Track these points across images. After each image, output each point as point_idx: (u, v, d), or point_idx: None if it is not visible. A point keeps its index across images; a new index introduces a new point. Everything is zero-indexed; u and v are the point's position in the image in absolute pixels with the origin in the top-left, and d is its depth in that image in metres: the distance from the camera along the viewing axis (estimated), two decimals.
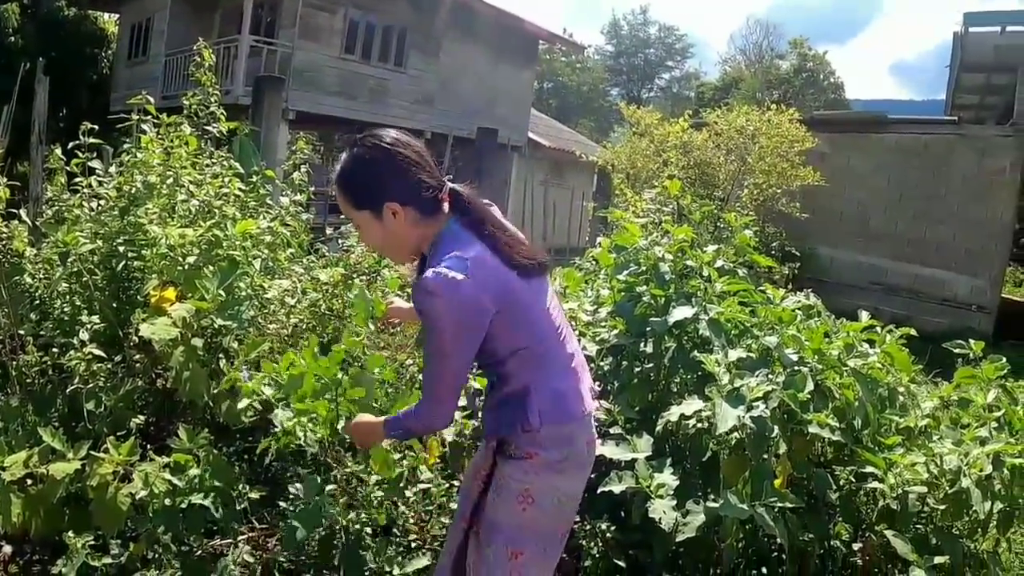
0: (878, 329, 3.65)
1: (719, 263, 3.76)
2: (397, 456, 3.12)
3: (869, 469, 3.17)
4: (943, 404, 3.79)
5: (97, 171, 4.44)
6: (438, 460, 3.31)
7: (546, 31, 23.21)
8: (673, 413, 2.91)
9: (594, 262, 4.47)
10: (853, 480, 3.36)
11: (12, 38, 18.74)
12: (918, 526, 3.20)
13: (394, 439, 2.64)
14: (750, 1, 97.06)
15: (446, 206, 2.20)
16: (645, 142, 13.98)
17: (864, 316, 3.69)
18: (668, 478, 2.79)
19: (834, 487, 3.28)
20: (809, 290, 4.00)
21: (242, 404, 3.11)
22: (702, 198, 13.07)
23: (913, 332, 3.80)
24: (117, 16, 23.53)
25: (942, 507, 3.10)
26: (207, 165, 4.59)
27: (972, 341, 3.60)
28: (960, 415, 3.58)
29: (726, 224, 10.96)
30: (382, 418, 2.43)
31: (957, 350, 3.73)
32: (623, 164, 14.05)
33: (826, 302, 4.04)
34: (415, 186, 2.13)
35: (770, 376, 3.04)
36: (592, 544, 3.18)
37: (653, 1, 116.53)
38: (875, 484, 3.15)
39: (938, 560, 2.86)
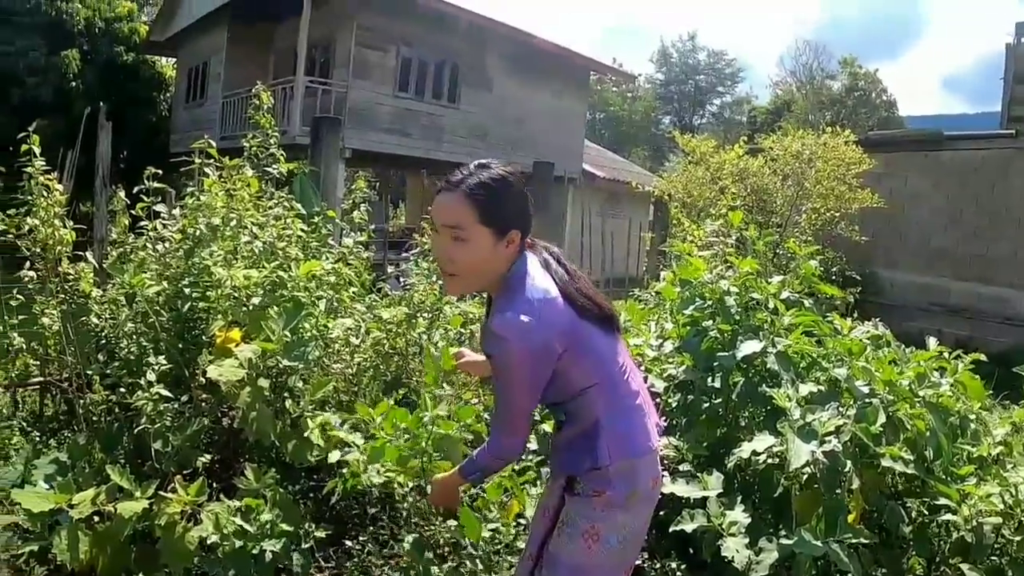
0: (946, 354, 3.57)
1: (784, 294, 3.70)
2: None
3: (942, 501, 3.09)
4: (1015, 430, 3.68)
5: (161, 214, 4.53)
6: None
7: (596, 62, 23.25)
8: (744, 450, 2.85)
9: (657, 295, 4.43)
10: (926, 512, 3.28)
11: (73, 83, 19.32)
12: (993, 558, 3.11)
13: (472, 482, 2.60)
14: (798, 21, 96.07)
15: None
16: (701, 170, 13.87)
17: (932, 343, 3.60)
18: (740, 515, 2.74)
19: (906, 520, 3.19)
20: (877, 319, 3.91)
21: (335, 455, 3.11)
22: (760, 225, 12.95)
23: (982, 356, 3.69)
24: (174, 60, 24.23)
25: (1018, 538, 3.02)
26: (269, 207, 4.65)
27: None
28: None
29: (787, 252, 10.85)
30: (455, 469, 2.46)
31: None
32: (679, 193, 13.96)
33: (889, 325, 3.95)
34: (529, 222, 2.20)
35: (840, 409, 2.98)
36: None
37: (701, 27, 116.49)
38: (949, 516, 3.07)
39: None
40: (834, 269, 13.49)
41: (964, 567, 2.91)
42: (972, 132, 15.93)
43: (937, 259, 14.72)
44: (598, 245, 11.44)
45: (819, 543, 2.56)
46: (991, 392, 5.65)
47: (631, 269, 13.40)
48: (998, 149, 14.36)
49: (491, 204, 2.11)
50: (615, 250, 10.80)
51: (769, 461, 2.94)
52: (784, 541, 2.63)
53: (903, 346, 3.66)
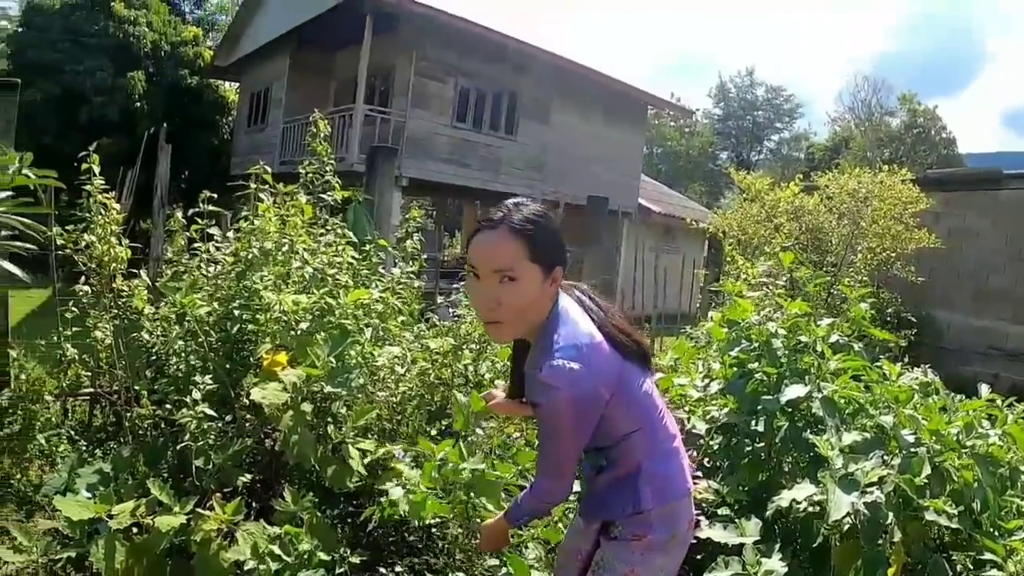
0: (998, 402, 3.48)
1: (834, 337, 3.64)
2: None
3: (987, 556, 2.99)
4: None
5: (215, 237, 4.61)
6: None
7: (654, 96, 23.22)
8: (784, 498, 2.79)
9: (706, 335, 4.38)
10: (971, 567, 3.15)
11: (138, 104, 19.82)
12: None
13: (518, 527, 2.56)
14: (857, 57, 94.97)
15: None
16: (756, 207, 13.76)
17: (984, 390, 3.51)
18: (777, 564, 2.67)
19: (950, 574, 3.08)
20: (927, 365, 3.83)
21: (395, 492, 3.11)
22: (814, 263, 12.79)
23: None
24: (237, 85, 24.76)
25: None
26: (321, 234, 4.71)
27: None
28: None
29: (840, 292, 10.68)
30: (501, 515, 2.42)
31: None
32: (734, 230, 13.85)
33: (944, 369, 3.86)
34: (567, 260, 2.16)
35: (885, 458, 2.91)
36: None
37: (759, 62, 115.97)
38: (994, 572, 2.97)
39: None
40: (889, 310, 13.28)
41: None
42: None
43: (996, 301, 14.35)
44: (651, 280, 11.38)
45: None
46: None
47: (683, 305, 13.31)
48: None
49: (539, 239, 2.05)
50: (668, 286, 10.72)
51: (810, 509, 2.88)
52: None
53: (952, 394, 3.56)
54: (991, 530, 3.10)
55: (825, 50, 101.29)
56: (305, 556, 2.88)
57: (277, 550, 2.82)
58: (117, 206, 4.55)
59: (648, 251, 13.60)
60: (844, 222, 12.89)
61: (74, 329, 4.80)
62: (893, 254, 12.80)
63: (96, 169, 4.36)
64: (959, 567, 3.18)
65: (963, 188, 15.24)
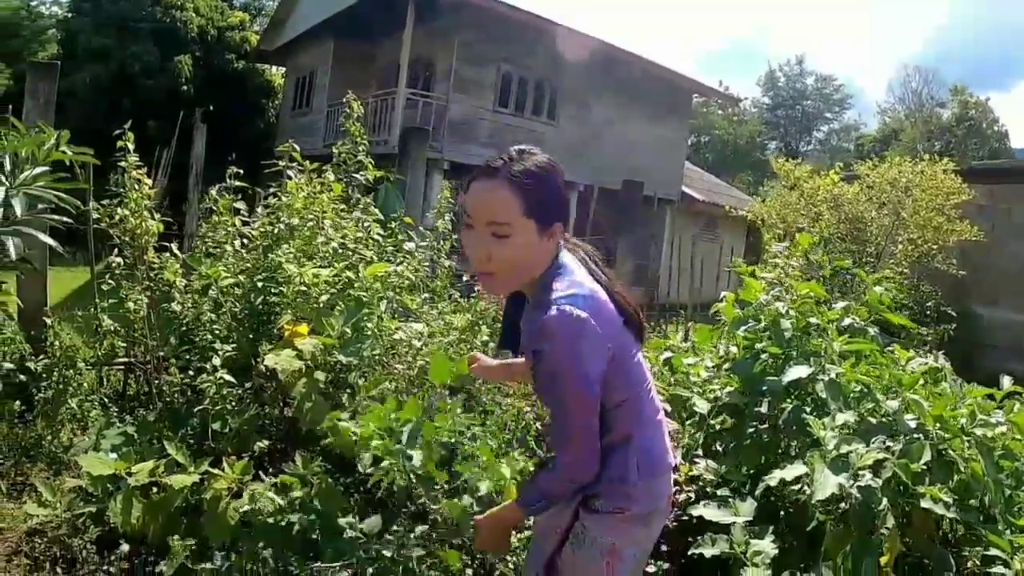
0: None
1: (847, 321, 3.64)
2: None
3: (993, 552, 2.95)
4: None
5: (241, 211, 4.73)
6: None
7: (699, 84, 23.03)
8: (774, 477, 2.80)
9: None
10: (978, 563, 3.10)
11: (185, 87, 20.18)
12: None
13: (535, 513, 2.24)
14: (908, 47, 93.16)
15: None
16: (795, 196, 13.66)
17: (1006, 381, 3.48)
18: (767, 546, 2.68)
19: (954, 569, 3.05)
20: (941, 352, 3.81)
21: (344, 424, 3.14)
22: (853, 254, 12.68)
23: None
24: (283, 69, 25.06)
25: None
26: (344, 210, 4.81)
27: None
28: None
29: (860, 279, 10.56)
30: (509, 501, 2.21)
31: None
32: (773, 219, 13.77)
33: (984, 366, 3.82)
34: (566, 212, 2.09)
35: (889, 444, 2.89)
36: None
37: (809, 51, 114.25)
38: (1000, 569, 2.94)
39: None
40: (929, 304, 13.11)
41: None
42: None
43: None
44: (689, 267, 11.36)
45: None
46: None
47: (721, 293, 13.26)
48: None
49: (536, 193, 1.95)
50: (705, 274, 10.68)
51: (806, 491, 2.88)
52: None
53: (961, 381, 3.54)
54: (1002, 525, 3.07)
55: (877, 41, 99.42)
56: (296, 501, 2.95)
57: (272, 494, 2.92)
58: (149, 181, 4.68)
59: (688, 239, 13.53)
60: (884, 212, 12.75)
61: (110, 301, 4.96)
62: (935, 246, 12.63)
63: (131, 147, 4.51)
64: (970, 563, 3.16)
65: (1009, 180, 14.97)
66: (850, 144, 54.58)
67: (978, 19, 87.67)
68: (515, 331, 2.19)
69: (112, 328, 4.97)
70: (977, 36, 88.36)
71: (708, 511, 2.87)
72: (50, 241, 3.83)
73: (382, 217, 5.10)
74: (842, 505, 2.74)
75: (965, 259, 13.19)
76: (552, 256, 2.04)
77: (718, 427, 3.47)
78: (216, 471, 3.13)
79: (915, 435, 2.92)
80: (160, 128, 13.23)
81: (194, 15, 21.35)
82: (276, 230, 4.47)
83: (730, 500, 2.92)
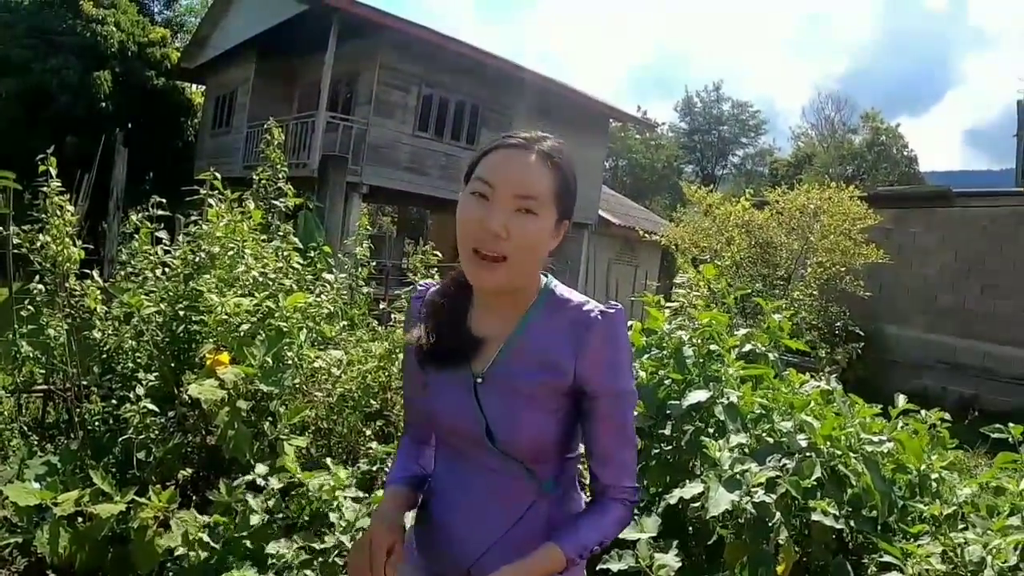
0: (923, 413, 3.73)
1: (747, 347, 3.87)
2: None
3: (887, 558, 3.18)
4: (981, 490, 3.78)
5: (163, 240, 4.77)
6: None
7: (617, 110, 23.50)
8: (673, 496, 2.99)
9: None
10: (875, 569, 3.32)
11: (104, 103, 19.84)
12: None
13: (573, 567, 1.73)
14: (824, 73, 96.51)
15: None
16: (708, 221, 14.10)
17: (901, 399, 3.75)
18: (671, 559, 2.85)
19: (852, 575, 3.28)
20: (836, 370, 4.06)
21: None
22: (764, 277, 13.14)
23: (946, 415, 3.84)
24: (203, 88, 24.77)
25: None
26: (267, 239, 4.89)
27: (1012, 425, 3.62)
28: (996, 504, 3.57)
29: (790, 303, 10.95)
30: (553, 547, 1.66)
31: (995, 434, 3.75)
32: (687, 243, 14.17)
33: (893, 382, 4.07)
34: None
35: (785, 462, 3.11)
36: None
37: (728, 75, 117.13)
38: (894, 574, 3.16)
39: None
40: (837, 324, 13.63)
41: None
42: (981, 189, 16.01)
43: (944, 316, 14.78)
44: (604, 292, 11.64)
45: None
46: (988, 451, 5.66)
47: (636, 316, 13.58)
48: (1008, 207, 14.45)
49: (566, 178, 1.72)
50: (620, 297, 10.96)
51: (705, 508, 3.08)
52: None
53: (848, 401, 3.79)
54: (897, 534, 3.31)
55: (792, 67, 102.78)
56: (232, 545, 3.04)
57: (206, 538, 2.99)
58: (72, 208, 4.69)
59: (600, 263, 13.83)
60: (794, 237, 13.26)
61: (29, 327, 4.92)
62: (843, 269, 13.17)
63: (53, 171, 4.52)
64: (870, 570, 3.39)
65: (913, 205, 15.68)
66: (765, 168, 55.94)
67: (892, 47, 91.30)
68: (457, 343, 1.78)
69: (31, 355, 4.94)
70: (891, 64, 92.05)
71: None
72: None
73: (301, 246, 5.18)
74: (740, 520, 2.94)
75: (874, 280, 13.78)
76: (544, 264, 1.77)
77: None
78: (142, 500, 3.19)
79: (807, 453, 3.14)
80: (79, 145, 13.02)
81: (115, 29, 20.97)
82: (197, 259, 4.52)
83: (635, 518, 3.07)
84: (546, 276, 1.79)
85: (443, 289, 1.86)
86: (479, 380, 1.73)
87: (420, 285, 1.97)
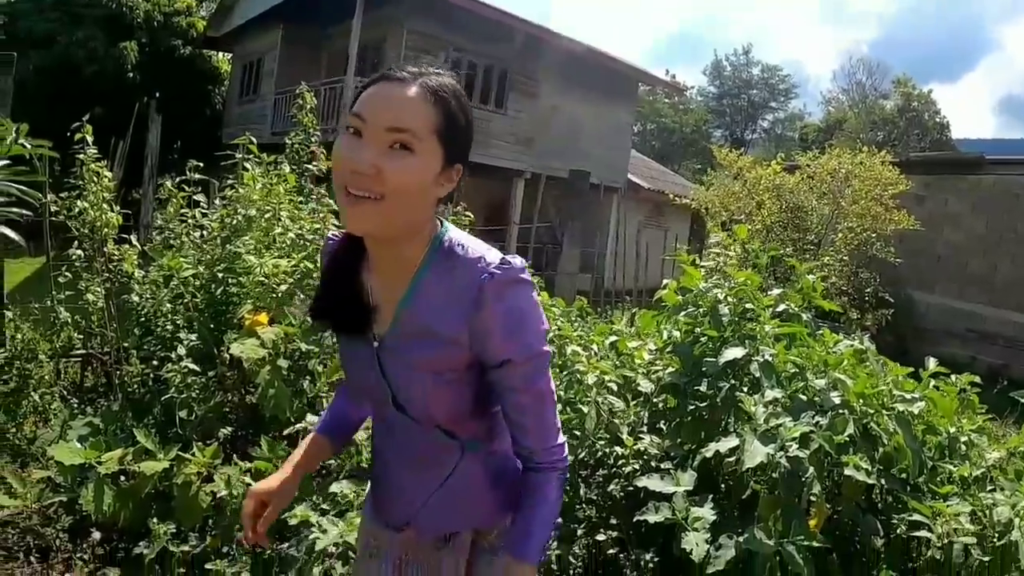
0: (952, 377, 3.73)
1: (781, 307, 3.88)
2: None
3: (916, 517, 3.20)
4: (1011, 454, 3.79)
5: (201, 204, 4.83)
6: None
7: (645, 73, 23.33)
8: (710, 449, 3.02)
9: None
10: (904, 528, 3.35)
11: (131, 74, 19.92)
12: None
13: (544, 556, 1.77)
14: (855, 38, 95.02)
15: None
16: (738, 185, 14.02)
17: (932, 362, 3.75)
18: (707, 512, 2.90)
19: (881, 533, 3.31)
20: (869, 331, 4.07)
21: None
22: (795, 242, 13.07)
23: (976, 378, 3.84)
24: (230, 55, 24.83)
25: (988, 559, 3.11)
26: (303, 201, 4.94)
27: None
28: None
29: (822, 267, 10.89)
30: (513, 564, 1.64)
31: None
32: (716, 207, 14.10)
33: (920, 349, 4.06)
34: (467, 160, 1.59)
35: (817, 419, 3.13)
36: (636, 574, 3.31)
37: (757, 40, 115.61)
38: (923, 533, 3.19)
39: None
40: (867, 290, 13.55)
41: None
42: (1014, 157, 15.78)
43: (975, 284, 14.66)
44: (635, 255, 11.61)
45: (771, 543, 2.73)
46: (1015, 421, 5.65)
47: (665, 280, 13.56)
48: None
49: (454, 115, 1.51)
50: (650, 261, 10.95)
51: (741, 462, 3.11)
52: (741, 539, 2.81)
53: (884, 361, 3.79)
54: (926, 494, 3.33)
55: (822, 32, 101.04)
56: None
57: (249, 479, 3.06)
58: (109, 174, 4.76)
59: (631, 227, 13.81)
60: (824, 201, 13.16)
61: (67, 293, 5.02)
62: (873, 235, 13.06)
63: (89, 139, 4.59)
64: (898, 529, 3.41)
65: (945, 172, 15.49)
66: (795, 133, 55.38)
67: (925, 13, 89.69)
68: (351, 304, 1.65)
69: (69, 320, 5.04)
70: (925, 29, 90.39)
71: (652, 482, 3.06)
72: (13, 235, 3.89)
73: (336, 208, 5.22)
74: (773, 475, 2.97)
75: (904, 247, 13.66)
76: (432, 210, 1.57)
77: (661, 405, 3.68)
78: (186, 456, 3.27)
79: (840, 410, 3.16)
80: (107, 116, 13.10)
81: (140, 0, 21.04)
82: (234, 221, 4.58)
83: (672, 472, 3.12)
84: (442, 225, 1.61)
85: (340, 243, 1.69)
86: (377, 346, 1.63)
87: (330, 236, 1.77)
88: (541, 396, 1.59)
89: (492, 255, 1.55)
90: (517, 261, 1.53)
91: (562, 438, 1.65)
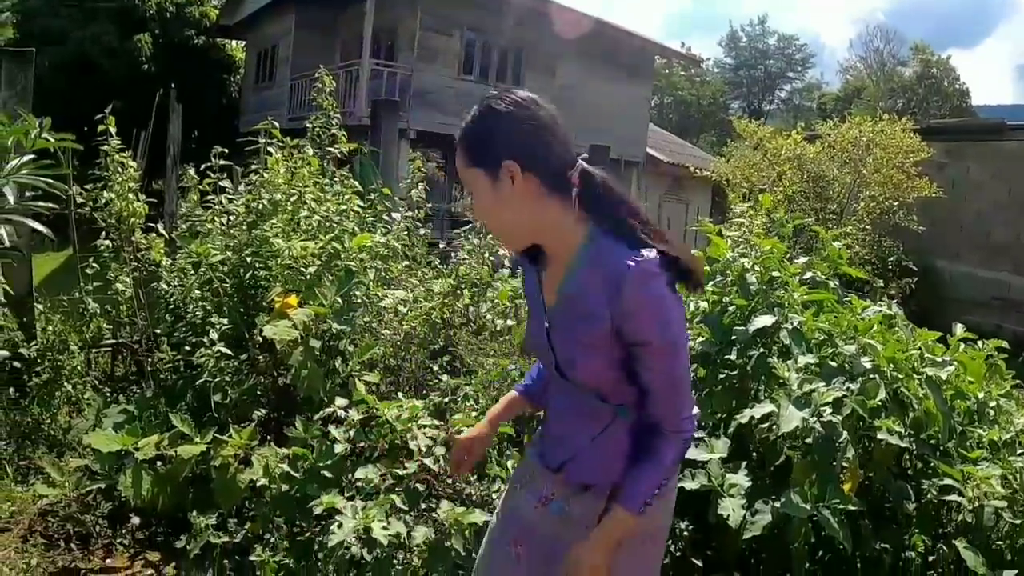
0: (979, 343, 3.71)
1: (808, 275, 3.87)
2: None
3: (947, 482, 3.20)
4: None
5: (228, 190, 4.87)
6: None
7: (661, 46, 23.23)
8: (744, 415, 3.04)
9: None
10: (934, 492, 3.34)
11: (145, 66, 19.98)
12: (999, 543, 3.16)
13: (643, 512, 1.86)
14: (870, 6, 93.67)
15: (576, 195, 1.85)
16: (759, 156, 13.93)
17: (959, 328, 3.73)
18: (741, 479, 2.92)
19: (912, 498, 3.31)
20: (894, 300, 4.05)
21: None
22: (817, 211, 12.98)
23: (1004, 343, 3.82)
24: (244, 43, 24.86)
25: (1018, 522, 3.10)
26: (327, 184, 4.96)
27: None
28: None
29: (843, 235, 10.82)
30: (618, 517, 1.84)
31: None
32: (737, 179, 14.03)
33: (945, 318, 4.03)
34: (542, 150, 1.81)
35: (848, 385, 3.13)
36: (671, 543, 3.32)
37: (772, 10, 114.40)
38: (953, 497, 3.19)
39: (1008, 574, 2.86)
40: (891, 259, 13.46)
41: (960, 545, 2.98)
42: None
43: (998, 252, 14.53)
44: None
45: (807, 507, 2.74)
46: None
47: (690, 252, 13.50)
48: None
49: (470, 140, 1.83)
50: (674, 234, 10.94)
51: (773, 429, 3.12)
52: (777, 504, 2.83)
53: (912, 326, 3.78)
54: (955, 458, 3.32)
55: (837, 0, 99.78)
56: (312, 474, 3.13)
57: (286, 467, 3.10)
58: (134, 164, 4.81)
59: (655, 200, 13.76)
60: (846, 170, 13.06)
61: (95, 284, 5.07)
62: (895, 203, 12.96)
63: (112, 130, 4.63)
64: (928, 494, 3.41)
65: (967, 138, 15.33)
66: (813, 103, 54.95)
67: None
68: (535, 284, 1.98)
69: (98, 311, 5.09)
70: None
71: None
72: (43, 229, 3.93)
73: (360, 189, 5.25)
74: (807, 441, 2.98)
75: (927, 215, 13.54)
76: (541, 207, 1.80)
77: (692, 375, 3.68)
78: (223, 438, 3.31)
79: (871, 375, 3.15)
80: (125, 108, 13.15)
81: None
82: (260, 206, 4.61)
83: (705, 440, 3.14)
84: (597, 226, 1.83)
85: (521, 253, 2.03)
86: (547, 324, 1.93)
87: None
88: (673, 376, 1.81)
89: (633, 251, 1.74)
90: (651, 255, 1.73)
91: (694, 411, 1.89)
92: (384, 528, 2.71)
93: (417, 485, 3.06)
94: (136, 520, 3.64)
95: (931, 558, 3.25)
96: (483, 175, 1.80)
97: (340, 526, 2.69)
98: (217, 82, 23.79)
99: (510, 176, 1.77)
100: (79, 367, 4.80)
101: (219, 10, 23.48)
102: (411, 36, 17.26)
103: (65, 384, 4.63)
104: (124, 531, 3.62)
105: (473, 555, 2.57)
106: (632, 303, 1.71)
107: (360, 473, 3.00)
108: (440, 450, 3.11)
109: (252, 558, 3.04)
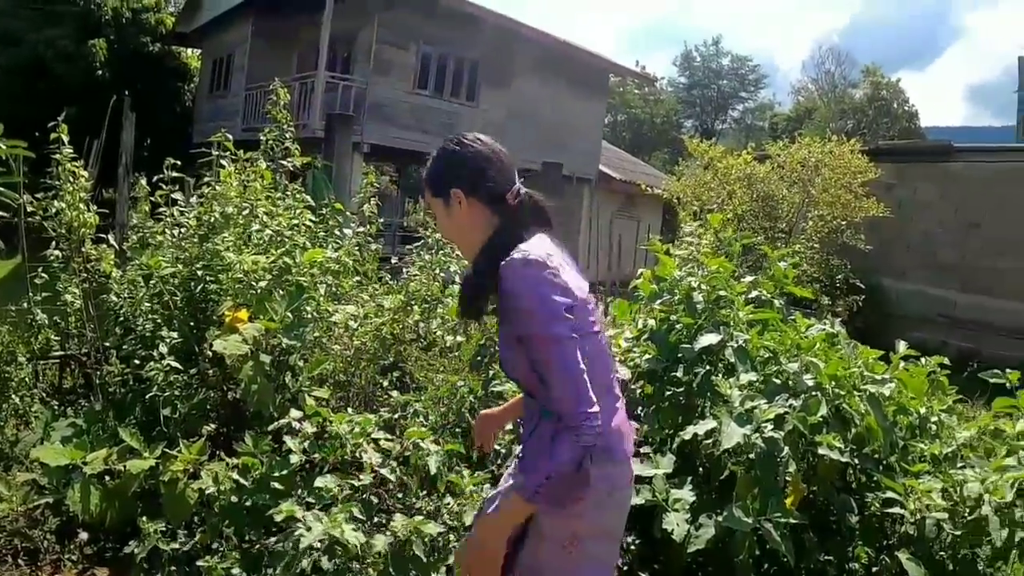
0: (922, 360, 3.82)
1: (754, 294, 3.96)
2: None
3: (890, 495, 3.29)
4: (980, 433, 3.88)
5: (180, 202, 4.84)
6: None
7: (615, 64, 23.47)
8: (687, 432, 3.10)
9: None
10: (878, 505, 3.45)
11: (100, 72, 19.72)
12: (942, 553, 3.26)
13: (538, 501, 1.97)
14: (825, 28, 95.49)
15: (519, 211, 2.12)
16: (710, 175, 14.11)
17: (902, 346, 3.84)
18: (686, 494, 2.98)
19: (855, 511, 3.39)
20: (840, 318, 4.15)
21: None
22: (766, 230, 13.19)
23: (946, 360, 3.93)
24: (199, 51, 24.62)
25: (959, 533, 3.19)
26: (280, 198, 4.95)
27: (1009, 370, 3.71)
28: (994, 445, 3.68)
29: (792, 254, 11.01)
30: (511, 499, 2.01)
31: (993, 379, 3.84)
32: (688, 197, 14.19)
33: (892, 335, 4.13)
34: (481, 178, 2.12)
35: (791, 402, 3.21)
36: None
37: (726, 31, 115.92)
38: (896, 509, 3.27)
39: None
40: (839, 277, 13.68)
41: (902, 557, 3.08)
42: (982, 145, 16.04)
43: (945, 270, 14.86)
44: (607, 246, 11.67)
45: (750, 520, 2.81)
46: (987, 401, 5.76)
47: (639, 270, 13.65)
48: (1009, 163, 14.53)
49: (432, 176, 2.20)
50: (623, 252, 11.01)
51: (718, 443, 3.18)
52: (720, 518, 2.89)
53: (855, 344, 3.88)
54: (898, 473, 3.42)
55: (792, 21, 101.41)
56: (261, 481, 3.13)
57: (235, 475, 3.09)
58: (85, 174, 4.75)
59: (603, 218, 13.87)
60: (795, 190, 13.28)
61: (43, 295, 4.99)
62: (843, 222, 13.20)
63: (65, 138, 4.57)
64: (872, 507, 3.50)
65: (914, 160, 15.71)
66: (765, 123, 55.62)
67: (893, 1, 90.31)
68: (473, 298, 2.17)
69: (47, 322, 5.02)
70: (893, 17, 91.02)
71: (635, 467, 3.11)
72: None
73: (312, 204, 5.25)
74: (750, 456, 3.04)
75: (875, 235, 13.80)
76: (483, 224, 2.12)
77: (638, 392, 3.75)
78: (172, 453, 3.29)
79: (813, 392, 3.24)
80: (78, 114, 12.94)
81: None
82: (211, 219, 4.60)
83: (651, 456, 3.19)
84: (518, 236, 2.06)
85: None
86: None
87: None
88: (552, 371, 1.91)
89: (517, 251, 1.98)
90: (517, 255, 1.96)
91: (590, 409, 1.89)
92: (355, 531, 2.73)
93: (372, 497, 3.08)
94: (84, 535, 3.59)
95: (875, 569, 3.36)
96: (441, 203, 2.18)
97: (309, 530, 2.70)
98: (171, 90, 23.51)
99: (458, 201, 2.13)
100: (27, 379, 4.71)
101: (175, 17, 23.25)
102: (367, 48, 17.26)
103: (12, 396, 4.54)
104: (72, 546, 3.56)
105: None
106: (508, 296, 1.97)
107: (320, 482, 3.04)
108: (393, 463, 3.13)
109: (200, 563, 3.04)
